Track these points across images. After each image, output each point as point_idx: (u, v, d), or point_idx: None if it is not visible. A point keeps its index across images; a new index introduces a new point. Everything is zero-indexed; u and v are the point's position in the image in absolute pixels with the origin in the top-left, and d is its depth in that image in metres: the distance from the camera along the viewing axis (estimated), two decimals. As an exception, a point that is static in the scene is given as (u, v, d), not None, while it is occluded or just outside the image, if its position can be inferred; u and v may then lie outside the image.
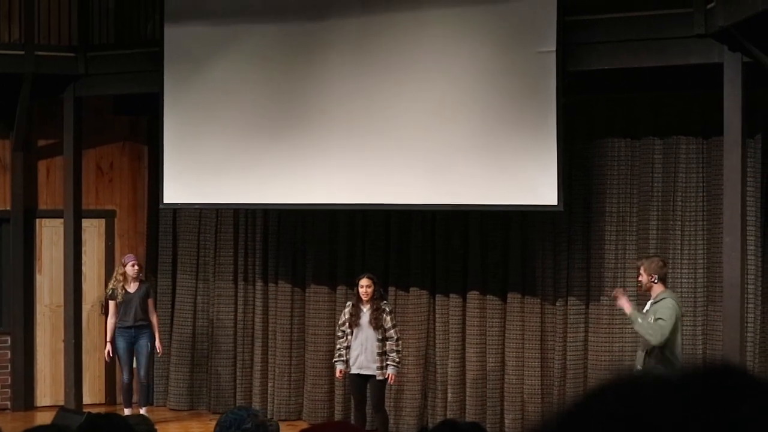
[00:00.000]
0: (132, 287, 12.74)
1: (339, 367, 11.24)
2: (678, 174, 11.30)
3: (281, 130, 11.74)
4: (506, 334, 12.00)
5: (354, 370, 11.12)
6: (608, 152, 11.59)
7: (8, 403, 13.59)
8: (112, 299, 12.81)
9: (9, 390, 13.61)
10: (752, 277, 10.74)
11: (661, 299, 9.57)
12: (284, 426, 10.14)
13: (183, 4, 12.35)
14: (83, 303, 13.60)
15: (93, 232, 13.96)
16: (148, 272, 13.48)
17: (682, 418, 0.90)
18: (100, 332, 13.78)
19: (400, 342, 11.18)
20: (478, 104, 10.81)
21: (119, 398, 13.49)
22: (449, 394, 12.22)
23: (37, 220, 13.80)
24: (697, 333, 11.09)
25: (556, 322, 11.80)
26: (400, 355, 11.18)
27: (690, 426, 0.89)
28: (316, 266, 12.92)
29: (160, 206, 12.89)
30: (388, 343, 11.02)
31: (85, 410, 11.27)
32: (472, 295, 12.10)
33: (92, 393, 13.84)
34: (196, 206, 12.96)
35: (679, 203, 11.30)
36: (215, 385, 13.54)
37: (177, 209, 13.47)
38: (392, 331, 11.05)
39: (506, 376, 12.00)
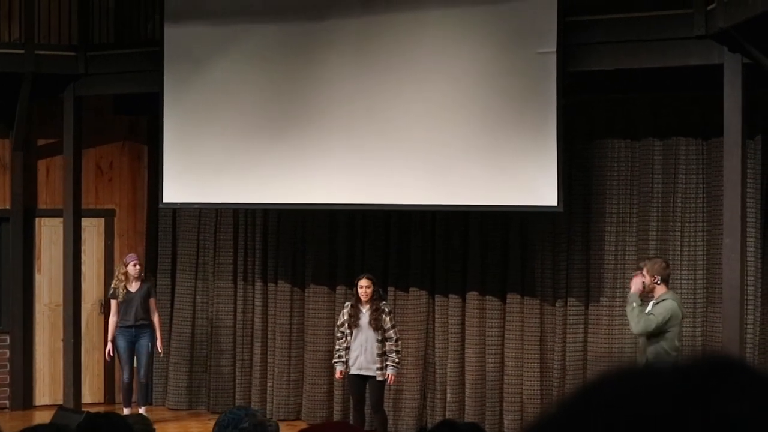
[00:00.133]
0: (133, 287, 12.75)
1: (338, 368, 11.23)
2: (678, 175, 11.30)
3: (281, 130, 11.74)
4: (505, 335, 12.00)
5: (353, 371, 11.11)
6: (608, 153, 11.59)
7: (7, 402, 13.59)
8: (113, 298, 12.82)
9: (8, 389, 13.61)
10: (752, 278, 10.75)
11: (663, 300, 9.56)
12: (283, 426, 10.13)
13: (183, 4, 12.36)
14: (82, 302, 13.60)
15: (92, 231, 13.96)
16: (148, 272, 13.48)
17: (682, 414, 0.89)
18: (100, 332, 13.79)
19: (399, 342, 11.18)
20: (478, 105, 10.81)
21: (118, 397, 13.49)
22: (448, 395, 12.22)
23: (37, 220, 13.80)
24: (696, 334, 11.09)
25: (556, 322, 11.80)
26: (399, 356, 11.17)
27: (690, 421, 0.89)
28: (316, 266, 12.92)
29: (160, 206, 12.89)
30: (387, 343, 11.02)
31: (84, 409, 11.28)
32: (472, 296, 12.10)
33: (91, 392, 13.85)
34: (196, 206, 12.96)
35: (679, 204, 11.30)
36: (214, 384, 13.54)
37: (176, 209, 13.47)
38: (392, 331, 11.04)
39: (505, 377, 12.00)
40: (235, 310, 13.45)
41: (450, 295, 12.23)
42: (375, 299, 11.06)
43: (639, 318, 9.46)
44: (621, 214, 11.56)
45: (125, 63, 12.97)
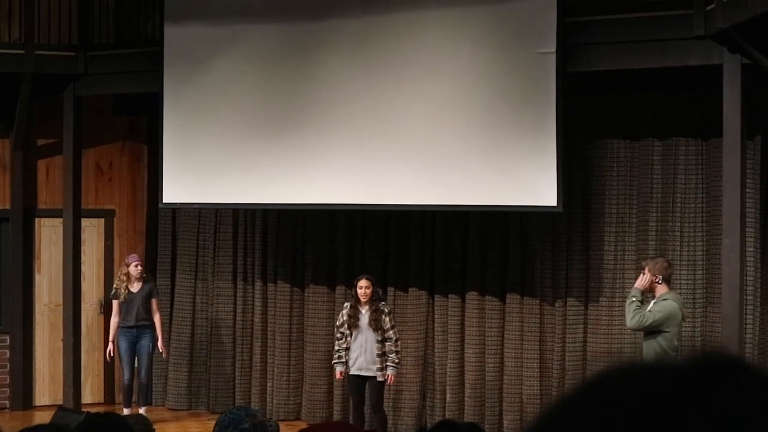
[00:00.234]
0: (135, 287, 12.75)
1: (338, 368, 11.23)
2: (677, 175, 11.31)
3: (281, 130, 11.74)
4: (505, 335, 12.00)
5: (353, 371, 11.11)
6: (608, 153, 11.59)
7: (7, 402, 13.59)
8: (115, 299, 12.83)
9: (8, 389, 13.61)
10: (751, 278, 10.75)
11: (663, 300, 9.56)
12: (283, 426, 10.12)
13: (183, 4, 12.36)
14: (82, 302, 13.60)
15: (92, 231, 13.96)
16: (147, 272, 13.48)
17: (682, 412, 0.90)
18: (99, 332, 13.79)
19: (399, 342, 11.18)
20: (478, 105, 10.82)
21: (118, 398, 13.49)
22: (448, 395, 12.22)
23: (37, 220, 13.80)
24: (696, 334, 11.09)
25: (555, 322, 11.80)
26: (399, 356, 11.17)
27: (690, 420, 0.89)
28: (316, 266, 12.92)
29: (160, 206, 12.90)
30: (387, 343, 11.02)
31: (84, 410, 11.28)
32: (471, 296, 12.10)
33: (91, 392, 13.85)
34: (196, 206, 12.96)
35: (679, 204, 11.30)
36: (214, 385, 13.54)
37: (176, 209, 13.47)
38: (391, 331, 11.04)
39: (505, 377, 12.00)
40: (234, 310, 13.45)
41: (450, 295, 12.23)
42: (374, 300, 11.06)
43: (634, 313, 9.47)
44: (620, 215, 11.56)
45: (125, 63, 12.97)
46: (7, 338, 13.59)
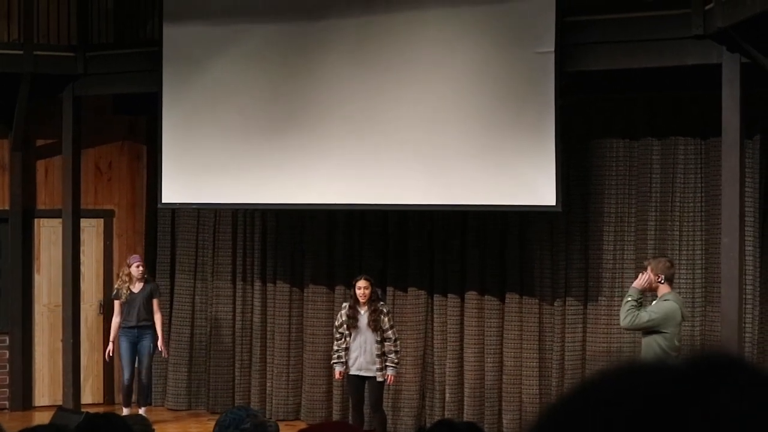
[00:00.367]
0: (136, 287, 12.77)
1: (338, 368, 11.23)
2: (676, 175, 11.31)
3: (280, 130, 11.74)
4: (504, 335, 12.00)
5: (353, 372, 11.12)
6: (606, 153, 11.59)
7: (7, 403, 13.59)
8: (116, 299, 12.84)
9: (7, 390, 13.61)
10: (750, 277, 10.75)
11: (663, 300, 9.54)
12: (282, 426, 10.12)
13: (182, 4, 12.35)
14: (82, 303, 13.60)
15: (91, 231, 13.96)
16: (148, 272, 13.48)
17: (682, 412, 0.90)
18: (99, 332, 13.79)
19: (398, 342, 11.18)
20: (477, 105, 10.82)
21: (118, 398, 13.50)
22: (447, 395, 12.22)
23: (36, 220, 13.80)
24: (695, 333, 11.10)
25: (554, 322, 11.80)
26: (398, 356, 11.18)
27: (690, 419, 0.90)
28: (315, 266, 12.92)
29: (159, 206, 12.89)
30: (386, 344, 11.02)
31: (84, 410, 11.28)
32: (470, 296, 12.11)
33: (91, 393, 13.85)
34: (195, 206, 12.96)
35: (678, 204, 11.31)
36: (214, 385, 13.54)
37: (175, 209, 13.47)
38: (390, 332, 11.04)
39: (504, 377, 12.00)
40: (234, 311, 13.45)
41: (449, 295, 12.23)
42: (373, 300, 11.06)
43: (627, 313, 9.46)
44: (619, 214, 11.56)
45: (124, 63, 12.97)
46: (7, 339, 13.59)
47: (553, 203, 10.49)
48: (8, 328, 13.57)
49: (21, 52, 12.88)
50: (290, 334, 13.07)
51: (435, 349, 12.36)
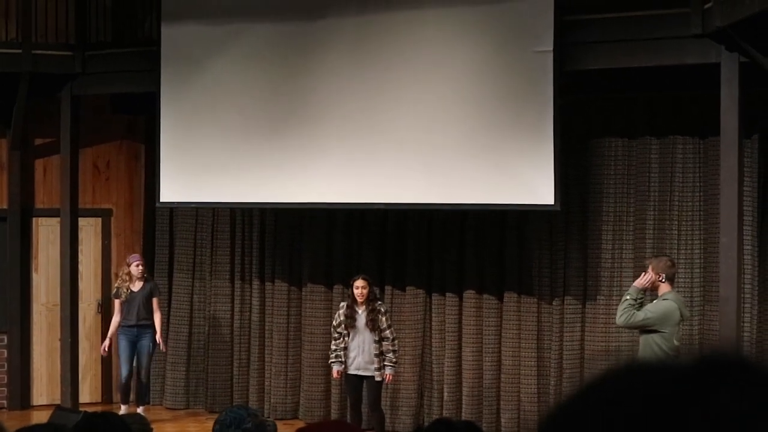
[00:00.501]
0: (136, 286, 12.78)
1: (336, 367, 11.22)
2: (675, 174, 11.31)
3: (278, 129, 11.74)
4: (503, 334, 12.00)
5: (351, 371, 11.12)
6: (605, 152, 11.60)
7: (5, 402, 13.59)
8: (116, 298, 12.87)
9: (5, 389, 13.61)
10: (749, 276, 10.75)
11: (663, 299, 9.54)
12: (281, 425, 10.13)
13: (180, 4, 12.35)
14: (80, 302, 13.60)
15: (90, 231, 13.95)
16: (148, 271, 13.47)
17: (682, 412, 0.90)
18: (97, 331, 13.79)
19: (396, 342, 11.18)
20: (475, 104, 10.82)
21: (116, 397, 13.50)
22: (445, 394, 12.22)
23: (34, 219, 13.79)
24: (693, 332, 11.10)
25: (553, 321, 11.80)
26: (396, 355, 11.18)
27: (690, 419, 0.89)
28: (313, 265, 12.92)
29: (157, 205, 12.89)
30: (384, 343, 11.02)
31: (82, 409, 11.27)
32: (469, 295, 12.11)
33: (89, 392, 13.84)
34: (193, 205, 12.96)
35: (676, 203, 11.31)
36: (212, 384, 13.54)
37: (174, 208, 13.47)
38: (388, 331, 11.04)
39: (502, 375, 12.00)
40: (232, 310, 13.45)
41: (447, 294, 12.23)
42: (371, 300, 11.06)
43: (624, 311, 9.47)
44: (618, 213, 11.56)
45: (122, 62, 12.96)
46: (5, 338, 13.59)
47: (552, 202, 10.49)
48: (6, 327, 13.56)
49: (19, 51, 12.88)
50: (288, 333, 13.07)
51: (433, 349, 12.36)
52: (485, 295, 12.06)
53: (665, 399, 0.91)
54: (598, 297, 11.61)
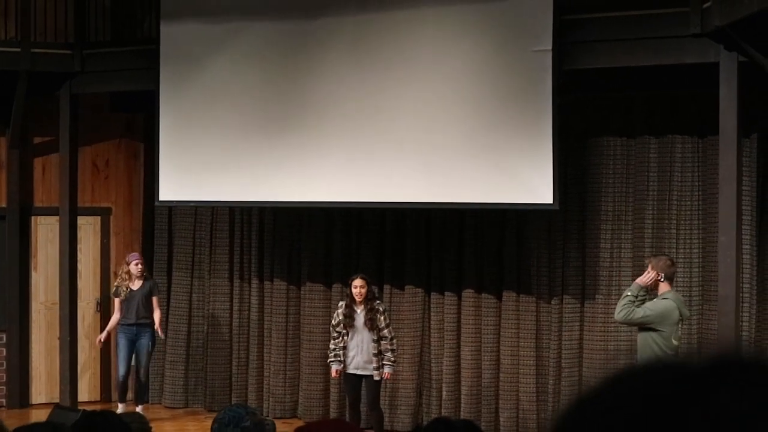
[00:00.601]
0: (136, 285, 12.78)
1: (335, 366, 11.22)
2: (673, 173, 11.32)
3: (277, 127, 11.74)
4: (501, 333, 12.01)
5: (350, 370, 11.12)
6: (604, 151, 11.60)
7: (3, 400, 13.58)
8: (116, 297, 12.88)
9: (4, 387, 13.61)
10: (747, 276, 10.76)
11: (663, 299, 9.53)
12: (279, 423, 10.13)
13: (179, 2, 12.35)
14: (79, 301, 13.60)
15: (88, 229, 13.95)
16: (147, 270, 13.47)
17: (682, 412, 0.90)
18: (96, 330, 13.78)
19: (394, 341, 11.18)
20: (474, 103, 10.82)
21: (114, 395, 13.49)
22: (444, 393, 12.22)
23: (33, 218, 13.79)
24: (692, 332, 11.10)
25: (552, 320, 11.80)
26: (395, 354, 11.18)
27: (690, 420, 0.90)
28: (312, 264, 12.92)
29: (156, 204, 12.89)
30: (382, 342, 11.02)
31: (81, 408, 11.27)
32: (468, 294, 12.11)
33: (87, 390, 13.84)
34: (192, 204, 12.96)
35: (675, 202, 11.31)
36: (211, 383, 13.54)
37: (172, 207, 13.47)
38: (386, 330, 11.05)
39: (501, 375, 12.00)
40: (231, 308, 13.45)
41: (446, 293, 12.23)
42: (369, 299, 11.06)
43: (623, 307, 9.47)
44: (617, 212, 11.57)
45: (121, 61, 12.96)
46: (4, 336, 13.59)
47: (551, 201, 10.49)
48: (5, 325, 13.56)
49: (18, 50, 12.87)
50: (287, 332, 13.07)
51: (432, 348, 12.36)
52: (484, 294, 12.07)
53: (665, 399, 0.91)
54: (596, 296, 11.62)
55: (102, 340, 13.01)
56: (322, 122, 11.49)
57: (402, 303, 12.41)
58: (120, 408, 12.42)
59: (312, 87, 11.57)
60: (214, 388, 13.50)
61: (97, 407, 11.59)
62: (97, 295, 13.87)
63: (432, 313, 12.35)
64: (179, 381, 13.68)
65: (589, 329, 11.65)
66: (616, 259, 11.54)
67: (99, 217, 14.05)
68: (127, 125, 14.15)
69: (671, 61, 10.12)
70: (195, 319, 13.71)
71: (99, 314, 13.82)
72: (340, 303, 11.39)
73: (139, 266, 12.82)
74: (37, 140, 13.77)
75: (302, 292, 13.03)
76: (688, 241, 11.23)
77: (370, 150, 11.23)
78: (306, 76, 11.60)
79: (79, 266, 13.67)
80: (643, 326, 9.53)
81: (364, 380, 11.13)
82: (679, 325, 9.61)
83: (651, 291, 9.72)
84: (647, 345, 9.44)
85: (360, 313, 11.05)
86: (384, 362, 11.02)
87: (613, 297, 11.35)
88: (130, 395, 13.09)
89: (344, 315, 11.09)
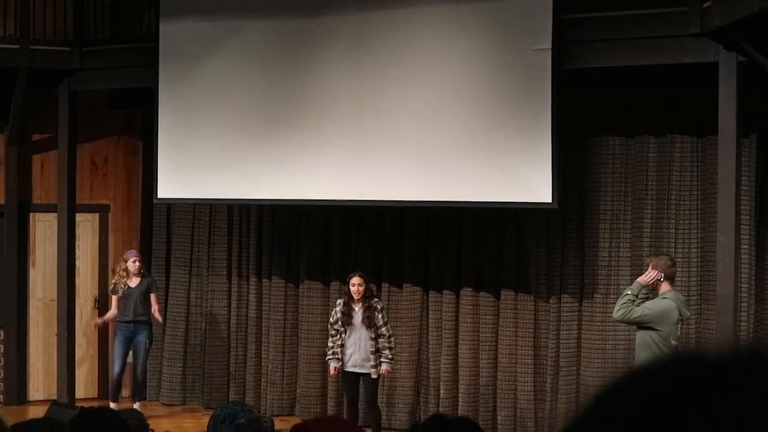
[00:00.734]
0: (133, 282, 12.76)
1: (333, 364, 11.22)
2: (672, 173, 11.32)
3: (276, 126, 11.73)
4: (499, 331, 12.01)
5: (348, 368, 11.12)
6: (603, 150, 11.60)
7: (1, 397, 13.59)
8: (113, 294, 12.86)
9: (2, 384, 13.61)
10: (745, 275, 10.76)
11: (662, 298, 9.52)
12: (277, 421, 10.13)
13: (179, 0, 12.34)
14: (77, 298, 13.59)
15: (87, 226, 13.95)
16: (145, 267, 13.47)
17: (681, 413, 0.90)
18: (93, 327, 13.79)
19: (392, 339, 11.18)
20: (473, 102, 10.82)
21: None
22: (442, 391, 12.23)
23: (31, 215, 13.79)
24: (690, 331, 11.10)
25: (550, 319, 11.81)
26: (392, 352, 11.18)
27: (689, 420, 0.89)
28: (310, 262, 12.92)
29: (154, 201, 12.89)
30: (380, 340, 11.02)
31: (78, 404, 11.27)
32: (466, 292, 12.11)
33: (85, 387, 13.84)
34: (190, 201, 12.96)
35: (674, 202, 11.31)
36: (208, 380, 13.54)
37: (171, 204, 13.46)
38: (384, 328, 11.04)
39: (499, 373, 12.01)
40: (229, 306, 13.45)
41: (444, 292, 12.23)
42: (367, 297, 11.06)
43: (622, 306, 9.46)
44: (615, 212, 11.57)
45: (120, 58, 12.95)
46: (2, 333, 13.59)
47: (549, 200, 10.49)
48: (3, 322, 13.56)
49: (17, 47, 12.87)
50: (285, 330, 13.08)
51: (430, 346, 12.36)
52: (482, 293, 12.07)
53: (664, 399, 0.91)
54: (595, 295, 11.62)
55: (98, 324, 12.97)
56: (321, 120, 11.49)
57: (400, 301, 12.41)
58: (112, 407, 12.40)
59: (311, 85, 11.56)
60: (211, 385, 13.50)
61: (95, 404, 11.57)
62: (95, 292, 13.87)
63: (430, 312, 12.36)
64: (177, 378, 13.68)
65: (587, 328, 11.66)
66: (614, 259, 11.54)
67: (97, 215, 14.05)
68: (125, 123, 14.15)
69: (671, 60, 10.12)
70: (193, 317, 13.71)
71: (97, 311, 13.81)
72: (338, 301, 11.39)
73: (137, 263, 12.81)
74: (35, 137, 13.77)
75: (300, 289, 13.03)
76: (687, 240, 11.24)
77: (369, 148, 11.23)
78: (305, 75, 11.60)
79: (78, 263, 13.66)
80: (642, 325, 9.52)
81: (361, 378, 11.13)
82: (679, 325, 9.59)
83: (653, 291, 9.69)
84: (646, 344, 9.43)
85: (358, 310, 11.05)
86: (381, 360, 11.02)
87: (611, 296, 11.35)
88: (125, 393, 13.08)
89: (342, 313, 11.08)
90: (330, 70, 11.46)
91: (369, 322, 10.98)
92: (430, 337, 12.36)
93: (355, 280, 11.02)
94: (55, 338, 13.54)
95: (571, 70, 10.53)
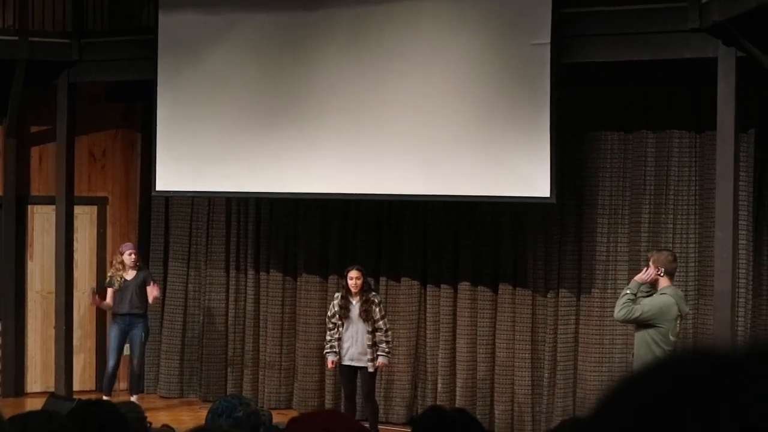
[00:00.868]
0: (129, 275, 12.75)
1: (330, 357, 11.22)
2: (670, 168, 11.32)
3: (275, 119, 11.73)
4: (497, 326, 12.01)
5: (345, 362, 11.12)
6: (601, 145, 11.60)
7: (-2, 389, 13.59)
8: (109, 287, 12.84)
9: (0, 376, 13.60)
10: (743, 271, 10.76)
11: (661, 294, 9.52)
12: (275, 414, 10.11)
13: (178, -8, 12.34)
14: (74, 290, 13.58)
15: (85, 219, 13.94)
16: (141, 260, 13.46)
17: (681, 413, 0.90)
18: (92, 319, 13.80)
19: (389, 332, 11.18)
20: (472, 96, 10.81)
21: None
22: (439, 385, 12.23)
23: (29, 207, 13.78)
24: (688, 326, 11.10)
25: (547, 314, 11.81)
26: (390, 346, 11.18)
27: (689, 420, 0.90)
28: (308, 255, 12.92)
29: (153, 194, 12.89)
30: (377, 334, 11.02)
31: (76, 397, 11.27)
32: (464, 286, 12.11)
33: (82, 380, 13.84)
34: (189, 194, 12.96)
35: (672, 197, 11.32)
36: (206, 373, 13.54)
37: (169, 197, 13.46)
38: (381, 322, 11.04)
39: (496, 368, 12.01)
40: (227, 299, 13.45)
41: (442, 286, 12.23)
42: (365, 290, 11.06)
43: (623, 306, 9.46)
44: (613, 206, 11.57)
45: (119, 50, 12.94)
46: (-1, 325, 13.60)
47: (548, 195, 10.50)
48: (1, 314, 13.55)
49: (16, 39, 12.85)
50: (283, 323, 13.08)
51: (427, 340, 12.37)
52: (480, 287, 12.07)
53: (664, 399, 0.91)
54: (592, 290, 11.62)
55: (96, 302, 12.89)
56: (320, 114, 11.49)
57: (398, 295, 12.42)
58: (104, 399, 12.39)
59: (310, 79, 11.56)
60: (209, 378, 13.50)
61: (92, 396, 11.58)
62: (93, 284, 13.85)
63: (428, 306, 12.36)
64: (174, 371, 13.68)
65: (584, 323, 11.66)
66: (612, 253, 11.55)
67: (95, 207, 14.04)
68: (124, 115, 14.14)
69: (669, 55, 10.12)
70: (191, 310, 13.71)
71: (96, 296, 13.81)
72: (336, 294, 11.39)
73: (133, 256, 12.78)
74: (34, 129, 13.76)
75: (298, 283, 13.03)
76: (685, 235, 11.24)
77: (368, 142, 11.23)
78: (305, 68, 11.59)
79: (75, 256, 13.66)
80: (641, 324, 9.50)
81: (359, 372, 11.13)
82: (678, 321, 9.59)
83: (651, 287, 9.68)
84: (645, 342, 9.42)
85: (355, 304, 11.05)
86: (378, 353, 11.02)
87: (609, 291, 11.37)
88: (122, 386, 13.08)
89: (340, 306, 11.08)
90: (329, 63, 11.45)
91: (366, 315, 10.98)
92: (427, 331, 12.37)
93: (353, 273, 11.02)
94: (53, 330, 13.54)
95: (570, 64, 10.54)
